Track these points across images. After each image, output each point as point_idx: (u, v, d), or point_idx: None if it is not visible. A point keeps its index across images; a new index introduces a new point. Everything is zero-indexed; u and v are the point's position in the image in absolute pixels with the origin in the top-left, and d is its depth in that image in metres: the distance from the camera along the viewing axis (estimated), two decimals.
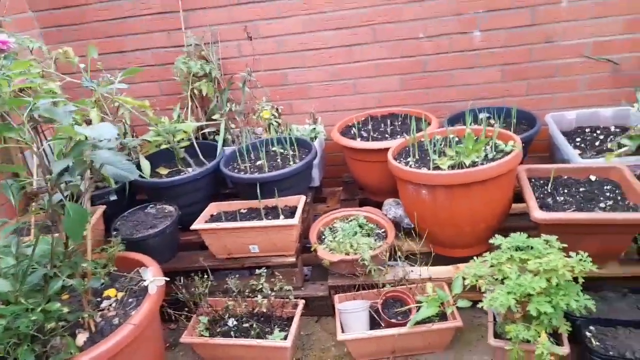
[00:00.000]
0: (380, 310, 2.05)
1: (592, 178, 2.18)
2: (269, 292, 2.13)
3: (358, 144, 2.68)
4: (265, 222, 2.26)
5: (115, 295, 1.88)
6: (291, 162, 2.62)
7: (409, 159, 2.35)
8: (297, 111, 3.21)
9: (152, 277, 1.84)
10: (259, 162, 2.71)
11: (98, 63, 2.57)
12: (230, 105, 3.01)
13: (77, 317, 1.66)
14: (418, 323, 1.95)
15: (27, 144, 1.58)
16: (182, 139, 2.79)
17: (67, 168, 1.58)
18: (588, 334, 1.79)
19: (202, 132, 3.06)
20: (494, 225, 2.18)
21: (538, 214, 1.91)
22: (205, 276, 2.19)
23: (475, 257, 1.86)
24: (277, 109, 3.00)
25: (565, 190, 2.12)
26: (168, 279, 1.91)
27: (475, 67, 2.92)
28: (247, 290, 2.20)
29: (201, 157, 2.79)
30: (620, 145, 2.33)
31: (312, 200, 2.89)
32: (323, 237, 2.42)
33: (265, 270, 2.17)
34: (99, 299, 1.89)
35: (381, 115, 3.06)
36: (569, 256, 1.66)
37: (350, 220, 2.47)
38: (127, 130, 2.75)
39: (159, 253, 2.30)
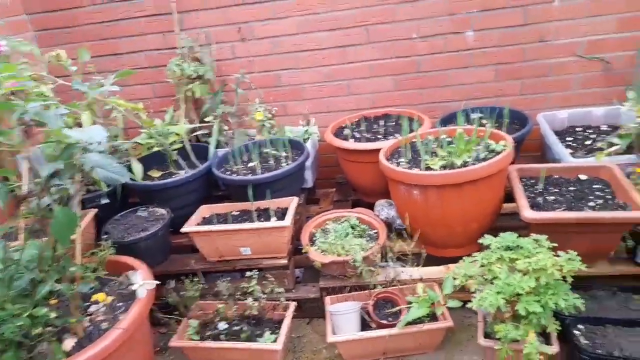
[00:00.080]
0: (371, 312, 2.04)
1: (583, 177, 2.17)
2: (260, 294, 2.13)
3: (350, 144, 2.68)
4: (256, 224, 2.26)
5: (105, 300, 1.88)
6: (284, 164, 2.62)
7: (401, 160, 2.35)
8: (291, 112, 3.21)
9: (142, 281, 1.84)
10: (251, 164, 2.71)
11: (89, 65, 2.58)
12: (224, 107, 3.01)
13: (65, 322, 1.66)
14: (409, 324, 1.95)
15: (15, 148, 1.60)
16: (175, 142, 2.79)
17: (57, 171, 1.59)
18: (577, 332, 1.79)
19: (195, 134, 3.06)
20: (486, 225, 2.18)
21: (528, 214, 1.90)
22: (196, 279, 2.19)
23: (465, 257, 1.86)
24: (270, 111, 3.00)
25: (556, 190, 2.12)
26: (158, 282, 1.91)
27: (469, 67, 2.92)
28: (238, 293, 2.19)
29: (194, 159, 2.79)
30: (610, 145, 2.33)
31: (305, 201, 2.89)
32: (315, 238, 2.41)
33: (256, 273, 2.17)
34: (88, 304, 1.88)
35: (375, 116, 3.05)
36: (559, 255, 1.66)
37: (342, 222, 2.47)
38: (117, 133, 2.74)
39: (151, 256, 2.30)
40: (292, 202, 2.42)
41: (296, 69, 3.08)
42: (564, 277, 1.62)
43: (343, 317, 2.04)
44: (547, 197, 2.07)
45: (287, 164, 2.59)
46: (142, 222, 2.44)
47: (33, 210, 1.64)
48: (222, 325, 2.13)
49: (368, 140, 2.75)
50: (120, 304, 1.88)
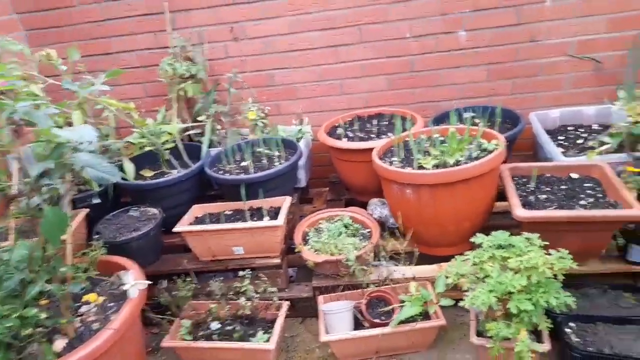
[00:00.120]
0: (364, 311, 2.04)
1: (574, 176, 2.19)
2: (253, 294, 2.13)
3: (343, 144, 2.68)
4: (249, 224, 2.25)
5: (96, 300, 1.87)
6: (277, 163, 2.62)
7: (393, 159, 2.35)
8: (284, 112, 3.21)
9: (133, 281, 1.83)
10: (244, 163, 2.70)
11: (79, 65, 2.56)
12: (217, 106, 3.00)
13: (55, 323, 1.65)
14: (401, 322, 1.95)
15: (5, 148, 1.58)
16: (167, 141, 2.78)
17: (47, 171, 1.57)
18: (568, 330, 1.80)
19: (187, 133, 3.05)
20: (478, 223, 2.18)
21: (520, 212, 1.91)
22: (189, 279, 2.18)
23: (457, 256, 1.86)
24: (263, 110, 2.99)
25: (548, 189, 2.13)
26: (150, 282, 1.90)
27: (461, 66, 2.92)
28: (231, 293, 2.19)
29: (186, 158, 2.78)
30: (601, 143, 2.34)
31: (299, 200, 2.89)
32: (308, 238, 2.41)
33: (249, 272, 2.17)
34: (79, 304, 1.87)
35: (368, 116, 3.06)
36: (550, 254, 1.67)
37: (336, 221, 2.47)
38: (109, 133, 2.72)
39: (143, 256, 2.29)
40: (285, 202, 2.41)
41: (289, 68, 3.08)
42: (555, 275, 1.63)
43: (336, 316, 2.04)
44: (539, 196, 2.08)
45: (280, 164, 2.58)
46: (134, 222, 2.43)
47: (23, 210, 1.63)
48: (215, 325, 2.13)
49: (361, 139, 2.76)
50: (112, 304, 1.86)
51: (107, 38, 3.12)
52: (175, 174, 2.62)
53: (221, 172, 2.65)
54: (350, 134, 2.83)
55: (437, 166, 2.14)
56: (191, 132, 3.05)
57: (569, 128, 2.74)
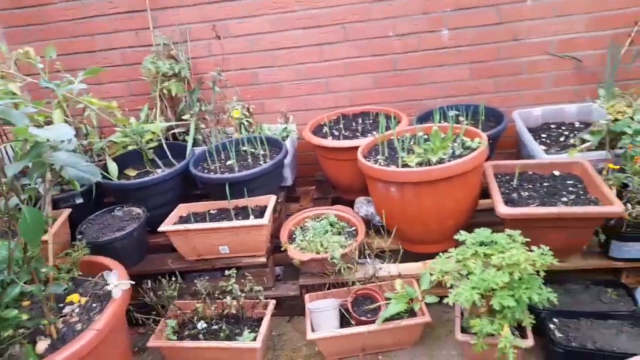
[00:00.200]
0: (350, 308, 2.05)
1: (556, 173, 2.22)
2: (239, 293, 2.12)
3: (329, 142, 2.68)
4: (234, 223, 2.24)
5: (79, 301, 1.84)
6: (262, 162, 2.61)
7: (378, 157, 2.36)
8: (269, 110, 3.20)
9: (117, 281, 1.80)
10: (229, 162, 2.69)
11: (57, 63, 2.52)
12: (201, 105, 2.98)
13: (37, 324, 1.62)
14: (387, 320, 1.96)
15: None
16: (151, 140, 2.75)
17: (26, 171, 1.55)
18: (552, 326, 1.83)
19: (172, 132, 3.02)
20: (462, 221, 2.20)
21: (503, 210, 1.93)
22: (174, 279, 2.16)
23: (441, 254, 1.88)
24: (248, 109, 2.98)
25: (530, 186, 2.16)
26: (133, 282, 1.88)
27: (445, 65, 2.95)
28: (217, 292, 2.17)
29: (170, 157, 2.76)
30: (582, 141, 2.38)
31: (285, 199, 2.88)
32: (294, 236, 2.41)
33: (235, 271, 2.15)
34: (61, 305, 1.84)
35: (353, 114, 3.06)
36: (532, 250, 1.69)
37: (321, 219, 2.47)
38: (88, 131, 2.69)
39: (127, 256, 2.27)
40: (270, 200, 2.41)
41: (273, 66, 3.07)
42: (537, 272, 1.65)
43: (322, 314, 2.04)
44: (521, 193, 2.11)
45: (265, 162, 2.57)
46: (118, 221, 2.40)
47: (1, 210, 1.60)
48: (201, 325, 2.11)
49: (346, 138, 2.76)
50: (95, 304, 1.84)
51: (88, 36, 3.09)
52: (160, 173, 2.60)
53: (206, 171, 2.63)
54: (336, 133, 2.84)
55: (420, 164, 2.15)
56: (176, 130, 3.03)
57: (551, 126, 2.78)
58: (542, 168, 2.26)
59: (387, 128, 2.51)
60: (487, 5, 2.75)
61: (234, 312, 2.14)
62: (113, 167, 2.58)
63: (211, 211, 2.48)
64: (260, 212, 2.38)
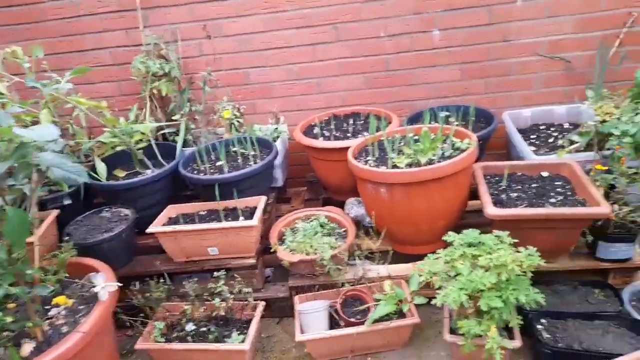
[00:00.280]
0: (340, 310, 2.04)
1: (545, 174, 2.23)
2: (228, 295, 2.11)
3: (319, 143, 2.68)
4: (223, 224, 2.23)
5: (66, 303, 1.83)
6: (252, 163, 2.60)
7: (368, 158, 2.36)
8: (260, 111, 3.19)
9: (104, 283, 1.79)
10: (219, 163, 2.68)
11: (43, 63, 2.50)
12: (191, 105, 2.96)
13: (22, 327, 1.61)
14: (376, 321, 1.95)
15: None
16: (140, 140, 2.73)
17: (12, 171, 1.53)
18: (539, 326, 1.84)
19: (162, 132, 3.00)
20: (452, 222, 2.21)
21: (491, 210, 1.94)
22: (162, 280, 2.15)
23: (430, 255, 1.88)
24: (238, 109, 2.97)
25: (519, 187, 2.17)
26: (121, 284, 1.86)
27: (436, 65, 2.95)
28: (205, 294, 2.16)
29: (160, 158, 2.74)
30: (571, 142, 2.39)
31: (276, 200, 2.87)
32: (284, 237, 2.40)
33: (224, 273, 2.15)
34: (47, 307, 1.83)
35: (344, 115, 3.06)
36: (520, 251, 1.69)
37: (312, 220, 2.46)
38: (75, 132, 2.67)
39: (115, 258, 2.26)
40: (260, 202, 2.40)
41: (265, 66, 3.06)
42: (525, 273, 1.65)
43: (311, 316, 2.04)
44: (510, 194, 2.11)
45: (255, 163, 2.56)
46: (106, 223, 2.38)
47: None
48: (190, 327, 2.10)
49: (337, 138, 2.76)
50: (82, 307, 1.83)
51: (79, 35, 3.06)
52: (149, 174, 2.58)
53: (195, 171, 2.62)
54: (327, 133, 2.83)
55: (410, 165, 2.16)
56: (166, 131, 3.01)
57: (540, 127, 2.79)
58: (531, 169, 2.26)
59: (378, 129, 2.50)
60: (478, 5, 2.75)
61: (223, 314, 2.13)
62: (102, 168, 2.56)
63: (200, 212, 2.47)
64: (250, 213, 2.37)
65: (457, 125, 2.54)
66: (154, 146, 2.76)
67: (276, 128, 2.99)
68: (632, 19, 2.66)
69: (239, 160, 2.68)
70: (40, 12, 3.02)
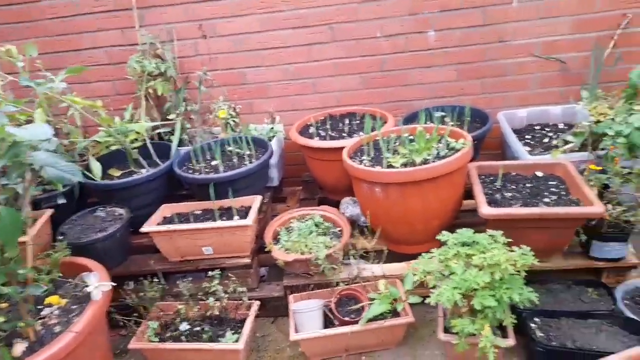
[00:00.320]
0: (334, 309, 2.04)
1: (539, 174, 2.23)
2: (222, 294, 2.10)
3: (315, 142, 2.68)
4: (217, 223, 2.23)
5: (59, 302, 1.82)
6: (247, 162, 2.60)
7: (363, 158, 2.36)
8: (256, 110, 3.19)
9: (97, 283, 1.79)
10: (214, 162, 2.68)
11: (37, 61, 2.49)
12: (187, 104, 2.96)
13: (14, 327, 1.60)
14: (371, 320, 1.95)
15: None
16: (135, 140, 2.73)
17: (4, 170, 1.53)
18: (533, 325, 1.84)
19: (157, 132, 3.00)
20: (446, 221, 2.21)
21: (486, 210, 1.94)
22: (156, 280, 2.14)
23: (424, 254, 1.88)
24: (234, 108, 2.97)
25: (513, 187, 2.17)
26: (114, 284, 1.86)
27: (432, 66, 2.95)
28: (200, 293, 2.16)
29: (155, 158, 2.74)
30: (565, 142, 2.40)
31: (272, 200, 2.87)
32: (279, 237, 2.40)
33: (218, 273, 2.14)
34: (40, 307, 1.82)
35: (340, 115, 3.06)
36: (513, 250, 1.70)
37: (307, 220, 2.46)
38: (69, 131, 2.66)
39: (109, 257, 2.25)
40: (255, 201, 2.40)
41: (261, 66, 3.06)
42: (518, 272, 1.66)
43: (306, 315, 2.04)
44: (504, 194, 2.11)
45: (251, 162, 2.56)
46: (100, 222, 2.38)
47: None
48: (184, 326, 2.10)
49: (333, 138, 2.76)
50: (75, 306, 1.82)
51: (74, 34, 3.06)
52: (144, 174, 2.58)
53: (190, 171, 2.62)
54: (322, 133, 2.83)
55: (405, 165, 2.16)
56: (161, 130, 3.00)
57: (535, 127, 2.80)
58: (526, 169, 2.27)
59: (373, 129, 2.51)
60: (473, 6, 2.76)
61: (217, 313, 2.13)
62: (96, 167, 2.56)
63: (195, 212, 2.46)
64: (245, 212, 2.36)
65: (452, 125, 2.55)
66: (149, 145, 2.76)
67: (272, 128, 2.99)
68: (627, 20, 2.67)
69: (234, 160, 2.67)
70: (39, 11, 3.02)
